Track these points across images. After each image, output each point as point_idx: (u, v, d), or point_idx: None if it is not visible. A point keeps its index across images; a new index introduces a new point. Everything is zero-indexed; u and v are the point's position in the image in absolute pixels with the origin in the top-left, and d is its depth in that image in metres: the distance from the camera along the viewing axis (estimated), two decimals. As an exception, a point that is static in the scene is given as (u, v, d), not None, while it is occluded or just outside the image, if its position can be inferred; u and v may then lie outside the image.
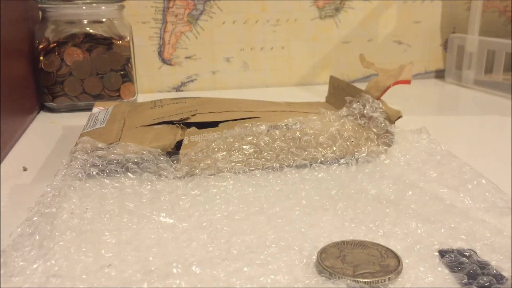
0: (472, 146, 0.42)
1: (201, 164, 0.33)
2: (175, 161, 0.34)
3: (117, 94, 0.55)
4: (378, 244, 0.25)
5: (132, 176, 0.32)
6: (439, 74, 0.71)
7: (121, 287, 0.22)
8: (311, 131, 0.36)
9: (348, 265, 0.23)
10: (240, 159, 0.34)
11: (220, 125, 0.37)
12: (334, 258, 0.23)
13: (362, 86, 0.42)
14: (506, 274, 0.22)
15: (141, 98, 0.58)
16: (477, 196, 0.30)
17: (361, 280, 0.22)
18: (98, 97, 0.54)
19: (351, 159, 0.35)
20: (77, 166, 0.32)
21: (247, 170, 0.33)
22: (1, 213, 0.30)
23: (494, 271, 0.22)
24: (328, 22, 0.66)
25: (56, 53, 0.52)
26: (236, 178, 0.32)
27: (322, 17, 0.66)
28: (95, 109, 0.43)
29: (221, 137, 0.35)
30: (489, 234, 0.26)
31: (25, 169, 0.37)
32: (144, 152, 0.33)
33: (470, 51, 0.64)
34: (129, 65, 0.55)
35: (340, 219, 0.28)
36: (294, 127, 0.36)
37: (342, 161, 0.35)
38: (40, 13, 0.54)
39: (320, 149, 0.35)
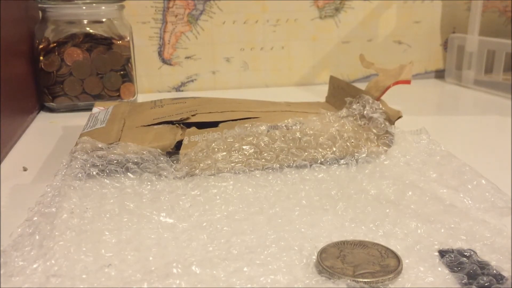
0: (472, 146, 0.42)
1: (201, 164, 0.33)
2: (175, 161, 0.34)
3: (117, 94, 0.55)
4: (378, 244, 0.25)
5: (132, 176, 0.32)
6: (439, 74, 0.71)
7: (121, 287, 0.22)
8: (311, 132, 0.36)
9: (348, 265, 0.23)
10: (240, 160, 0.34)
11: (220, 125, 0.37)
12: (334, 258, 0.23)
13: (362, 86, 0.42)
14: (506, 274, 0.22)
15: (141, 98, 0.58)
16: (477, 196, 0.30)
17: (361, 280, 0.22)
18: (98, 97, 0.54)
19: (351, 160, 0.35)
20: (77, 166, 0.32)
21: (247, 170, 0.33)
22: (1, 213, 0.30)
23: (494, 271, 0.22)
24: (328, 22, 0.66)
25: (56, 53, 0.52)
26: (236, 179, 0.32)
27: (322, 17, 0.66)
28: (95, 109, 0.43)
29: (221, 137, 0.35)
30: (489, 234, 0.26)
31: (25, 169, 0.37)
32: (144, 152, 0.33)
33: (470, 51, 0.64)
34: (129, 65, 0.55)
35: (340, 219, 0.28)
36: (294, 127, 0.36)
37: (342, 161, 0.35)
38: (40, 13, 0.54)
39: (320, 150, 0.35)
